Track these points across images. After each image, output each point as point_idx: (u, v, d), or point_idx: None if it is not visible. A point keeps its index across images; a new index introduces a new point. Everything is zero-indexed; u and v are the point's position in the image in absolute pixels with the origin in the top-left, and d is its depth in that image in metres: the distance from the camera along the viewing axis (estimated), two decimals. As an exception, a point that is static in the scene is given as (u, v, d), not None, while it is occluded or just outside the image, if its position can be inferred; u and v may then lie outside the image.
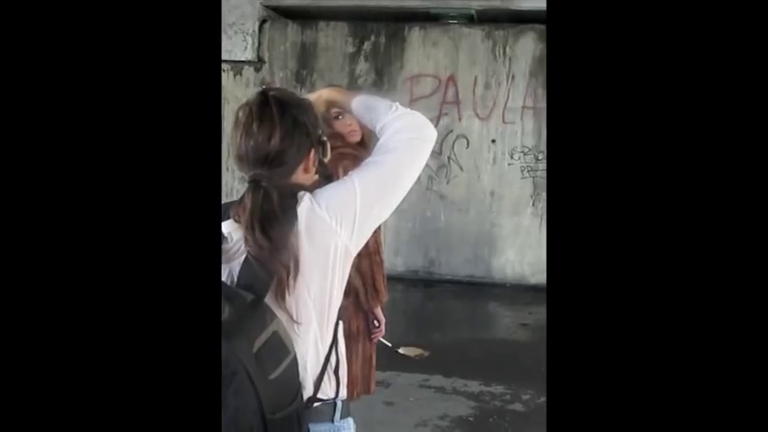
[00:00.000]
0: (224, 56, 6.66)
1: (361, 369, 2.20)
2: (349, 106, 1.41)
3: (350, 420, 1.27)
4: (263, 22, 6.62)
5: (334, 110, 2.09)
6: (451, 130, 6.35)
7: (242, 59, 6.67)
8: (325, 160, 1.28)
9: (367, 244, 2.06)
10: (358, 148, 2.18)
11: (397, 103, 1.31)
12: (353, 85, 6.65)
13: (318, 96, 1.46)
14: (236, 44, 6.63)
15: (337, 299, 1.18)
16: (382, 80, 6.60)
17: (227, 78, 6.78)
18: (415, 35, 6.48)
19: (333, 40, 6.68)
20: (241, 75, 6.76)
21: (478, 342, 4.56)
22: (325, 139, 1.26)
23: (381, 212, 1.22)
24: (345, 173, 2.08)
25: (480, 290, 6.05)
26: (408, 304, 6.05)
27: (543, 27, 5.93)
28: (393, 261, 6.71)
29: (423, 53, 6.48)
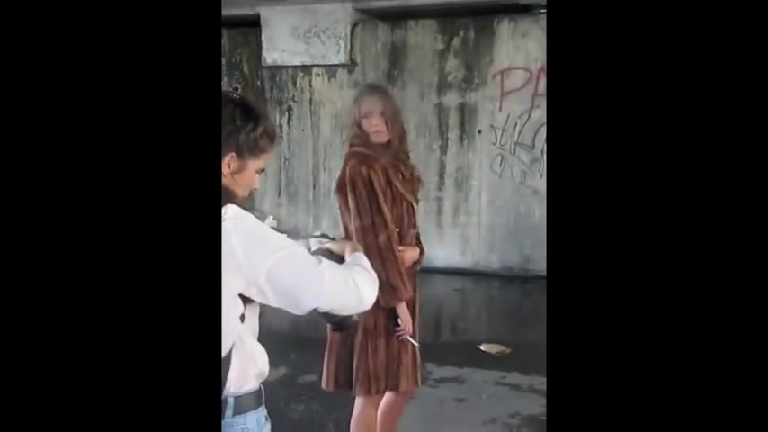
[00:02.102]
0: (318, 60, 6.92)
1: (383, 366, 2.19)
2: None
3: (248, 416, 1.27)
4: (354, 25, 6.78)
5: (364, 109, 2.19)
6: (543, 123, 6.20)
7: (335, 63, 6.88)
8: (257, 168, 1.31)
9: (377, 243, 2.12)
10: (378, 149, 2.20)
11: (365, 267, 1.34)
12: (444, 83, 6.68)
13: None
14: (329, 48, 6.85)
15: (234, 306, 1.19)
16: (472, 75, 6.57)
17: (321, 82, 7.03)
18: (504, 27, 6.38)
19: (422, 38, 6.73)
20: (335, 77, 6.97)
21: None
22: (262, 147, 1.29)
23: (274, 297, 1.21)
24: (350, 171, 2.16)
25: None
26: (505, 301, 6.00)
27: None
28: (488, 258, 6.67)
29: (512, 45, 6.38)
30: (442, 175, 6.80)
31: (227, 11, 6.80)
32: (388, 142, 2.24)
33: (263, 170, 1.35)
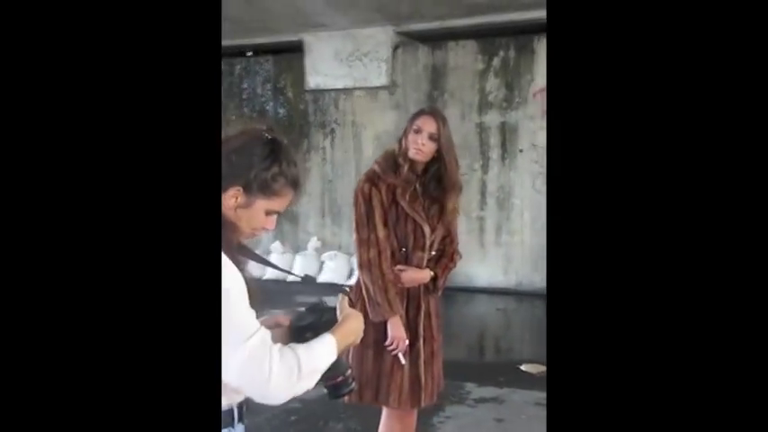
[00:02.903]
0: (359, 83, 7.05)
1: (369, 378, 2.23)
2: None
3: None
4: (395, 47, 6.89)
5: (417, 124, 2.21)
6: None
7: (377, 85, 6.99)
8: (267, 209, 1.27)
9: (367, 257, 2.16)
10: (396, 168, 2.21)
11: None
12: (484, 102, 6.70)
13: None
14: (371, 71, 6.97)
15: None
16: (512, 94, 6.59)
17: (363, 104, 7.14)
18: (544, 46, 6.38)
19: (462, 58, 6.79)
20: (376, 99, 7.08)
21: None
22: (275, 190, 1.25)
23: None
24: (356, 187, 2.24)
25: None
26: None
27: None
28: (531, 277, 6.59)
29: None
30: (483, 194, 6.80)
31: (272, 38, 7.04)
32: (428, 164, 2.24)
33: (276, 213, 1.31)
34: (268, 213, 1.29)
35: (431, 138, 2.19)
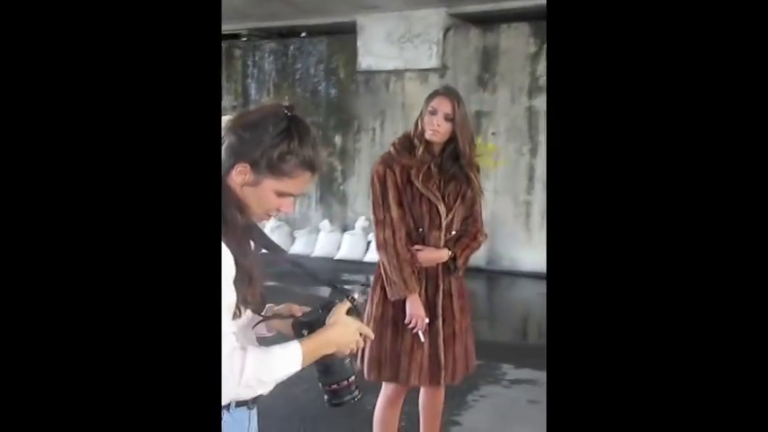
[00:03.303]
0: (410, 65, 7.09)
1: (387, 355, 2.28)
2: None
3: (237, 412, 1.22)
4: (447, 29, 6.89)
5: (432, 106, 2.23)
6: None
7: (427, 67, 7.01)
8: (277, 190, 1.20)
9: (384, 237, 2.23)
10: (417, 151, 2.24)
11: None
12: (534, 86, 6.65)
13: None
14: (422, 53, 6.99)
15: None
16: None
17: (413, 86, 7.18)
18: None
19: (514, 41, 6.73)
20: (427, 82, 7.09)
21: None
22: (284, 170, 1.18)
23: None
24: (372, 169, 2.31)
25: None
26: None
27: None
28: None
29: None
30: (531, 179, 6.77)
31: (326, 19, 7.13)
32: (445, 144, 2.27)
33: (289, 195, 1.22)
34: (280, 195, 1.21)
35: (446, 118, 2.22)
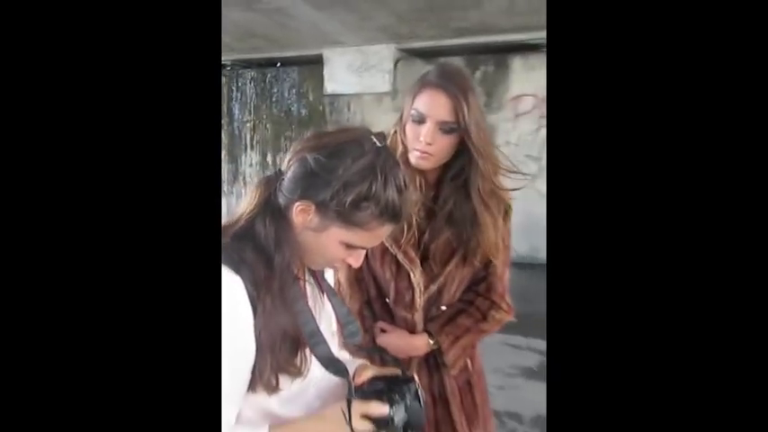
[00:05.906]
0: (368, 89, 8.21)
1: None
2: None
3: None
4: (397, 61, 8.06)
5: (418, 107, 1.37)
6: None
7: (381, 91, 8.19)
8: (343, 240, 0.96)
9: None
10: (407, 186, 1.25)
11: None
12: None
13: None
14: (377, 80, 8.12)
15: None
16: (491, 100, 7.69)
17: (371, 106, 8.39)
18: (517, 63, 7.53)
19: (451, 71, 7.98)
20: (381, 103, 8.28)
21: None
22: (354, 220, 0.94)
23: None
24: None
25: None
26: (512, 284, 6.43)
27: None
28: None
29: (524, 77, 7.50)
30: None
31: (297, 51, 8.49)
32: (445, 165, 1.38)
33: (357, 248, 0.98)
34: (345, 246, 0.97)
35: (443, 129, 1.34)
